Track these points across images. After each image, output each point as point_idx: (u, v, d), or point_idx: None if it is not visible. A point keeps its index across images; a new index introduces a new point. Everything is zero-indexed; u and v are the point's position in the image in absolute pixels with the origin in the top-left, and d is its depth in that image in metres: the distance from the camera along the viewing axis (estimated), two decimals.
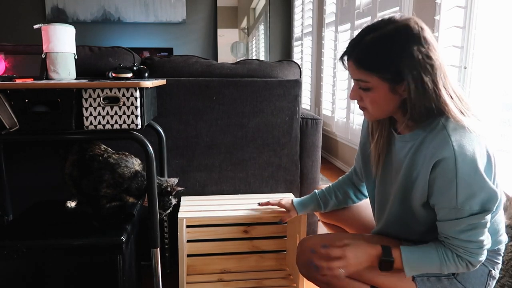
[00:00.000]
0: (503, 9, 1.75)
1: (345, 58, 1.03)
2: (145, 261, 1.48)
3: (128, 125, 1.23)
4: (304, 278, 1.55)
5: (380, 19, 1.01)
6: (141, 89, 1.22)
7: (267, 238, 1.80)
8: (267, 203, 1.49)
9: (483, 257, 0.99)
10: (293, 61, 1.84)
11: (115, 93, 1.20)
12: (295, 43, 5.00)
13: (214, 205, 1.64)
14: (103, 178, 1.29)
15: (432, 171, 0.96)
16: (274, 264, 1.82)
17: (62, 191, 1.40)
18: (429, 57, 0.95)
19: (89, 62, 1.61)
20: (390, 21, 0.97)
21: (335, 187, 1.38)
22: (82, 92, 1.19)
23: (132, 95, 1.21)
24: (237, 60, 1.81)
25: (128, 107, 1.21)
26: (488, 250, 1.01)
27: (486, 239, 0.98)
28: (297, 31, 4.89)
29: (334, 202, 1.37)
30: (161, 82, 1.52)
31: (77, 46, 1.44)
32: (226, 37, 5.04)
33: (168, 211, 1.36)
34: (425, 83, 0.95)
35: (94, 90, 1.19)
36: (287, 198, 1.49)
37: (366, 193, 1.31)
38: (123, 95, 1.21)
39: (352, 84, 1.06)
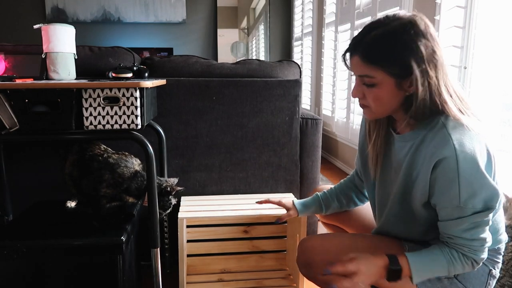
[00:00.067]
0: (503, 9, 1.75)
1: (347, 55, 1.02)
2: (145, 261, 1.48)
3: (128, 125, 1.23)
4: (304, 278, 1.55)
5: (383, 16, 1.00)
6: (141, 89, 1.22)
7: (267, 238, 1.80)
8: (267, 201, 1.43)
9: (485, 255, 0.99)
10: (293, 61, 1.84)
11: (115, 93, 1.20)
12: (295, 43, 5.00)
13: (214, 205, 1.64)
14: (103, 178, 1.29)
15: (433, 171, 0.96)
16: (274, 264, 1.82)
17: (62, 191, 1.40)
18: (435, 53, 0.95)
19: (89, 62, 1.61)
20: (395, 17, 0.97)
21: (338, 190, 1.35)
22: (82, 92, 1.19)
23: (132, 95, 1.21)
24: (237, 60, 1.81)
25: (128, 107, 1.21)
26: (488, 249, 1.01)
27: (488, 236, 0.98)
28: (297, 31, 4.89)
29: (336, 205, 1.34)
30: (161, 82, 1.52)
31: (77, 46, 1.44)
32: (226, 37, 5.04)
33: (168, 211, 1.36)
34: (431, 78, 0.95)
35: (94, 90, 1.19)
36: (288, 198, 1.49)
37: None
38: (123, 95, 1.21)
39: (353, 83, 1.06)
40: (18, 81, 1.22)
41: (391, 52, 0.95)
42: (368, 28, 0.99)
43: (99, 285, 1.26)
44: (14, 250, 1.18)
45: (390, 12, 2.55)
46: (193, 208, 1.60)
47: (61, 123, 1.19)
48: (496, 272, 1.08)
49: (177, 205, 1.55)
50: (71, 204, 1.42)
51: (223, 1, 4.98)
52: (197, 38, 5.02)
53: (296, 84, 1.74)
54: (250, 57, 4.82)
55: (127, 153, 1.37)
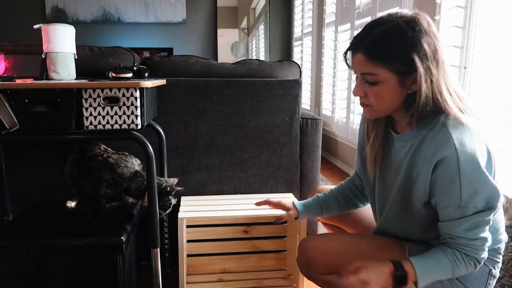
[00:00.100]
0: (503, 9, 1.75)
1: (349, 53, 1.02)
2: (145, 261, 1.48)
3: (128, 125, 1.23)
4: (304, 278, 1.55)
5: (385, 14, 1.00)
6: (141, 89, 1.22)
7: (267, 238, 1.80)
8: (266, 202, 1.38)
9: (486, 254, 0.99)
10: (293, 61, 1.84)
11: (115, 93, 1.20)
12: (295, 43, 5.00)
13: (214, 205, 1.64)
14: (103, 178, 1.29)
15: (433, 171, 0.96)
16: (274, 264, 1.82)
17: (62, 191, 1.40)
18: (437, 51, 0.95)
19: (89, 62, 1.61)
20: (397, 15, 0.97)
21: (338, 191, 1.33)
22: (82, 92, 1.19)
23: (132, 95, 1.21)
24: (237, 60, 1.81)
25: (128, 107, 1.21)
26: (488, 249, 1.01)
27: (488, 236, 0.98)
28: (297, 31, 4.90)
29: (336, 207, 1.32)
30: (161, 82, 1.52)
31: (77, 46, 1.44)
32: (226, 37, 5.04)
33: (168, 211, 1.36)
34: (433, 76, 0.95)
35: (94, 90, 1.19)
36: (288, 199, 1.48)
37: None
38: (123, 95, 1.21)
39: (353, 83, 1.05)
40: (18, 81, 1.22)
41: (395, 49, 0.95)
42: (371, 26, 0.99)
43: (99, 285, 1.26)
44: (14, 250, 1.18)
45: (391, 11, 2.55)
46: (193, 208, 1.60)
47: (61, 123, 1.19)
48: (496, 272, 1.08)
49: (177, 205, 1.55)
50: (71, 204, 1.42)
51: (223, 1, 4.98)
52: (197, 38, 5.02)
53: (296, 84, 1.74)
54: (250, 57, 4.83)
55: (127, 153, 1.37)
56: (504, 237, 1.09)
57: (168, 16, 4.90)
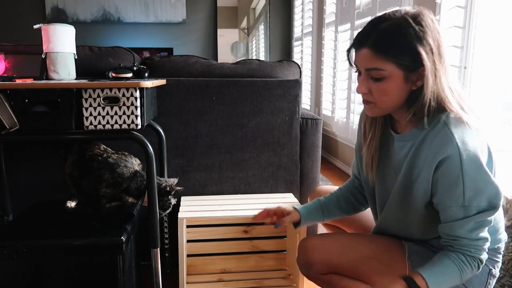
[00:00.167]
0: (503, 9, 1.75)
1: (353, 50, 1.02)
2: (145, 261, 1.48)
3: (128, 125, 1.23)
4: (304, 278, 1.55)
5: (388, 11, 0.99)
6: (141, 89, 1.22)
7: (267, 238, 1.80)
8: (264, 212, 1.29)
9: (486, 255, 0.99)
10: (293, 61, 1.84)
11: (115, 93, 1.20)
12: (295, 43, 5.00)
13: (214, 205, 1.64)
14: (103, 178, 1.29)
15: (435, 170, 0.95)
16: (274, 264, 1.82)
17: (62, 191, 1.40)
18: (441, 47, 0.95)
19: (89, 62, 1.61)
20: (402, 11, 0.97)
21: (340, 195, 1.30)
22: (82, 92, 1.19)
23: (132, 95, 1.21)
24: (237, 60, 1.81)
25: (128, 107, 1.21)
26: (488, 249, 1.01)
27: (488, 236, 0.98)
28: (297, 31, 4.90)
29: (338, 210, 1.29)
30: (161, 82, 1.52)
31: (77, 46, 1.44)
32: (226, 37, 5.04)
33: (168, 211, 1.36)
34: (438, 71, 0.95)
35: (94, 90, 1.19)
36: (288, 203, 1.47)
37: None
38: (123, 95, 1.21)
39: (353, 83, 1.05)
40: (18, 81, 1.22)
41: (402, 43, 0.94)
42: (375, 21, 0.98)
43: (99, 285, 1.26)
44: (14, 250, 1.18)
45: None
46: (193, 208, 1.60)
47: (61, 123, 1.19)
48: (496, 272, 1.08)
49: (177, 205, 1.55)
50: (71, 204, 1.42)
51: (223, 1, 4.98)
52: (197, 38, 5.02)
53: (296, 84, 1.74)
54: (250, 57, 4.82)
55: (126, 153, 1.37)
56: (503, 236, 1.09)
57: (168, 16, 4.90)
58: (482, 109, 1.83)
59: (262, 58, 5.14)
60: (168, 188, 1.34)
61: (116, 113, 1.21)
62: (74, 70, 1.40)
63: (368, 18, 2.87)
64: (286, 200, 1.70)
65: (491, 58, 1.82)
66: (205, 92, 1.68)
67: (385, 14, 0.99)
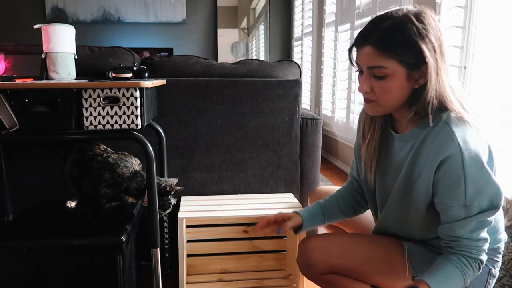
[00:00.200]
0: (503, 9, 1.75)
1: (354, 48, 1.01)
2: (145, 261, 1.48)
3: (128, 125, 1.23)
4: (304, 278, 1.55)
5: (390, 10, 0.99)
6: (141, 89, 1.22)
7: (267, 238, 1.80)
8: (264, 221, 1.24)
9: (486, 255, 0.99)
10: (293, 61, 1.83)
11: (115, 93, 1.20)
12: (295, 43, 5.00)
13: (214, 205, 1.64)
14: (103, 178, 1.29)
15: (437, 170, 0.95)
16: (274, 264, 1.82)
17: (62, 191, 1.40)
18: (442, 45, 0.96)
19: (89, 62, 1.61)
20: (403, 10, 0.97)
21: (339, 197, 1.29)
22: (82, 92, 1.19)
23: (132, 95, 1.21)
24: (237, 60, 1.81)
25: (128, 107, 1.21)
26: (488, 249, 1.01)
27: (488, 236, 0.98)
28: (297, 31, 4.90)
29: (338, 212, 1.28)
30: (161, 82, 1.52)
31: (77, 46, 1.44)
32: (226, 37, 5.04)
33: (168, 211, 1.36)
34: (439, 69, 0.95)
35: (94, 90, 1.19)
36: (288, 199, 1.47)
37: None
38: (123, 95, 1.21)
39: (353, 83, 1.05)
40: (18, 81, 1.22)
41: (406, 40, 0.94)
42: (377, 20, 0.98)
43: (99, 285, 1.26)
44: (14, 250, 1.18)
45: None
46: (193, 208, 1.60)
47: (61, 123, 1.19)
48: (496, 272, 1.08)
49: (177, 205, 1.55)
50: (71, 204, 1.42)
51: (223, 1, 4.98)
52: (197, 38, 5.02)
53: (296, 84, 1.74)
54: (250, 57, 4.83)
55: (126, 153, 1.37)
56: (503, 236, 1.09)
57: (168, 16, 4.90)
58: (482, 109, 1.83)
59: (262, 58, 5.14)
60: (168, 188, 1.34)
61: (116, 113, 1.21)
62: (74, 70, 1.40)
63: (368, 18, 2.87)
64: (286, 200, 1.70)
65: (491, 58, 1.82)
66: (205, 92, 1.68)
67: (387, 12, 0.99)
